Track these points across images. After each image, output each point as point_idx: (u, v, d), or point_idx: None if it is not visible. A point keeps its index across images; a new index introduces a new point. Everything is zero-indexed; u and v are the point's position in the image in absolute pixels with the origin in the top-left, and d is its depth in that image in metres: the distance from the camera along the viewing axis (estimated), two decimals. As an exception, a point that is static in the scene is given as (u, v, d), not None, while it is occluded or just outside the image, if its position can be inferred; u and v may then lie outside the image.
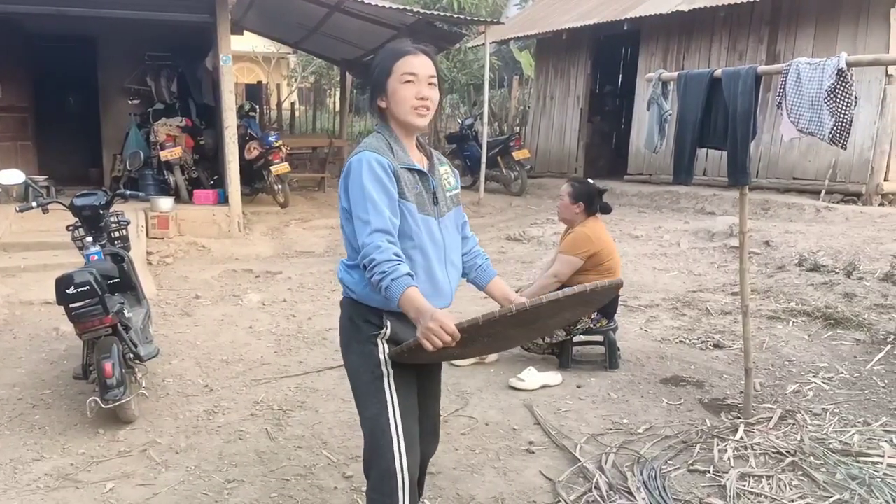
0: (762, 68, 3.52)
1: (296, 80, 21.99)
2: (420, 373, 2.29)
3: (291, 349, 4.89)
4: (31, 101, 10.52)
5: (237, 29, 11.41)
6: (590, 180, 4.66)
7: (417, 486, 2.33)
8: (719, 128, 3.63)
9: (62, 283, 3.47)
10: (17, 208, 4.28)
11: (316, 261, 7.70)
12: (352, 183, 2.06)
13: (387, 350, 2.16)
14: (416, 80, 2.10)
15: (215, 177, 9.88)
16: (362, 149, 2.09)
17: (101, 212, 4.21)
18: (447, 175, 2.27)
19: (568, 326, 4.35)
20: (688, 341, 4.97)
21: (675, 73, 3.94)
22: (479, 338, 2.05)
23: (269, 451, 3.44)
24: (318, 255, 8.02)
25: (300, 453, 3.42)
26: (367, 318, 2.17)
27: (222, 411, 3.90)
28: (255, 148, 9.87)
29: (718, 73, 3.63)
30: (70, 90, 11.62)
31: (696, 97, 3.71)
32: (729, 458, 3.29)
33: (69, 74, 11.04)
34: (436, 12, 10.33)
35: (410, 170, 2.13)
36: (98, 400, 3.51)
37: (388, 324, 2.15)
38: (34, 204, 4.23)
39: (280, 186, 9.84)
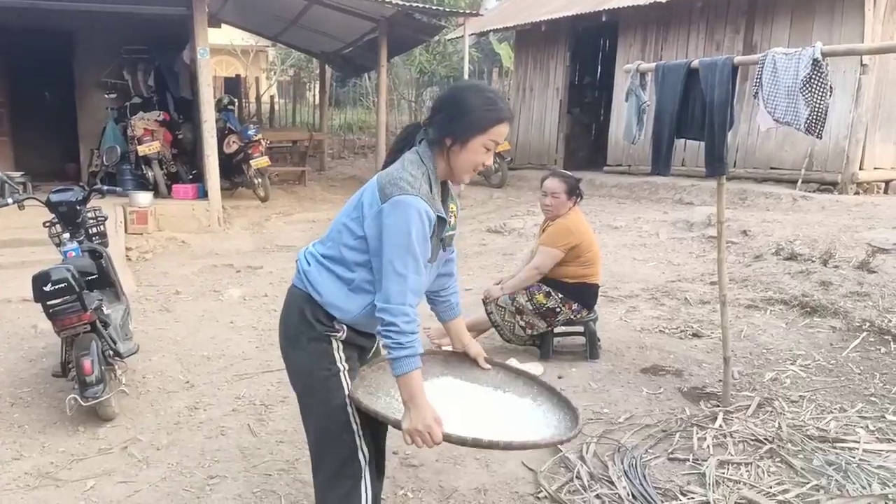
0: (739, 59, 3.54)
1: (275, 74, 21.84)
2: (363, 363, 2.27)
3: (273, 344, 4.86)
4: (7, 96, 10.39)
5: (214, 21, 11.32)
6: (567, 172, 4.68)
7: (378, 468, 2.32)
8: (697, 118, 3.65)
9: (39, 281, 3.43)
10: (-8, 205, 4.22)
11: (297, 255, 7.66)
12: (395, 224, 1.93)
13: (341, 349, 2.12)
14: (493, 148, 2.06)
15: (194, 171, 9.82)
16: (413, 191, 1.94)
17: (78, 208, 4.17)
18: (453, 214, 2.19)
19: (549, 318, 4.38)
20: (667, 331, 5.01)
21: (653, 64, 3.96)
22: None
23: (251, 447, 3.44)
24: (299, 249, 7.98)
25: (282, 448, 3.42)
26: (321, 318, 2.10)
27: (204, 407, 3.88)
28: (234, 142, 9.80)
29: (695, 63, 3.64)
30: (46, 85, 11.44)
31: (673, 88, 3.73)
32: (708, 446, 3.33)
33: (45, 69, 10.85)
34: (415, 4, 10.27)
35: (438, 217, 2.04)
36: (78, 397, 3.48)
37: (345, 329, 2.12)
38: (10, 200, 4.17)
39: (260, 180, 9.79)
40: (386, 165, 2.10)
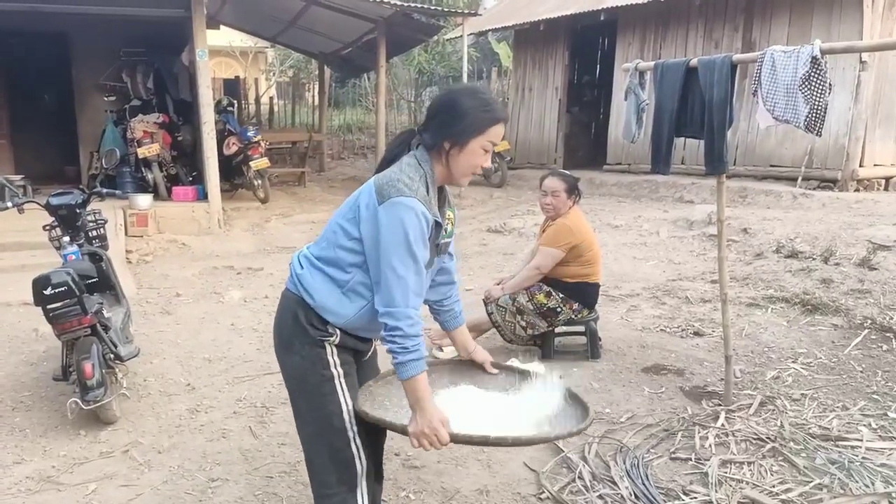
0: (737, 57, 3.53)
1: (274, 75, 21.84)
2: (359, 366, 2.25)
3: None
4: (6, 98, 10.38)
5: (213, 23, 11.31)
6: (564, 171, 4.69)
7: (377, 473, 2.32)
8: (696, 117, 3.64)
9: (39, 284, 3.43)
10: (-8, 209, 4.21)
11: (298, 256, 7.66)
12: (393, 226, 1.92)
13: (335, 353, 2.09)
14: (490, 149, 2.06)
15: (194, 173, 9.81)
16: (411, 193, 1.93)
17: (78, 211, 4.16)
18: (450, 221, 2.18)
19: (550, 318, 4.38)
20: (668, 330, 5.01)
21: (652, 63, 3.95)
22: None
23: (252, 449, 3.43)
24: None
25: (284, 450, 3.41)
26: (314, 322, 2.08)
27: (205, 410, 3.88)
28: (233, 143, 9.80)
29: (694, 62, 3.64)
30: (45, 87, 11.44)
31: (672, 87, 3.72)
32: (710, 446, 3.33)
33: (44, 71, 10.86)
34: (413, 4, 10.27)
35: (435, 222, 2.03)
36: (79, 401, 3.47)
37: (338, 332, 2.10)
38: (9, 204, 4.17)
39: (260, 182, 9.78)
40: (380, 170, 2.08)
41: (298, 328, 2.09)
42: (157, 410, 3.87)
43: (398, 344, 1.93)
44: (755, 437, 3.40)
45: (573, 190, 4.37)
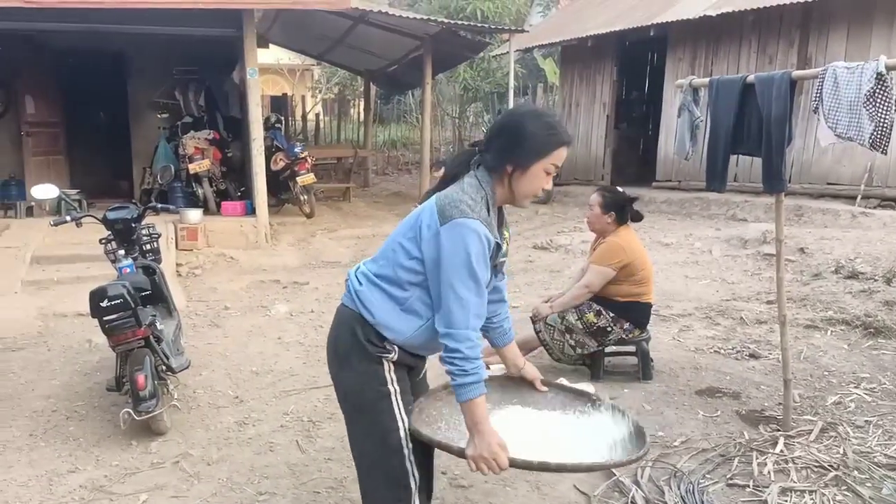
0: (797, 73, 3.45)
1: (320, 92, 22.14)
2: (412, 384, 2.23)
3: (320, 360, 4.86)
4: (63, 116, 10.72)
5: (262, 42, 11.54)
6: (620, 189, 4.60)
7: (427, 491, 2.29)
8: (753, 134, 3.56)
9: (96, 296, 3.49)
10: (52, 222, 4.32)
11: (342, 271, 7.68)
12: (455, 247, 1.90)
13: (392, 370, 2.08)
14: (553, 172, 2.05)
15: (242, 188, 9.97)
16: (474, 215, 1.92)
17: (133, 225, 4.25)
18: (506, 241, 2.17)
19: (599, 337, 4.29)
20: (722, 351, 4.87)
21: (707, 80, 3.88)
22: None
23: (299, 464, 3.43)
24: (345, 266, 8.01)
25: (331, 465, 3.40)
26: (372, 339, 2.07)
27: (253, 423, 3.90)
28: (281, 159, 9.94)
29: (751, 78, 3.56)
30: (100, 105, 11.82)
31: (728, 103, 3.64)
32: (769, 472, 3.21)
33: (99, 90, 11.22)
34: (460, 21, 10.31)
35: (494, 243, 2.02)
36: (131, 412, 3.52)
37: (396, 349, 2.09)
38: (68, 218, 4.28)
39: (306, 197, 9.90)
40: (439, 189, 2.07)
41: (356, 344, 2.07)
42: (207, 422, 3.90)
43: (458, 366, 1.91)
44: (817, 464, 3.26)
45: (610, 206, 4.28)
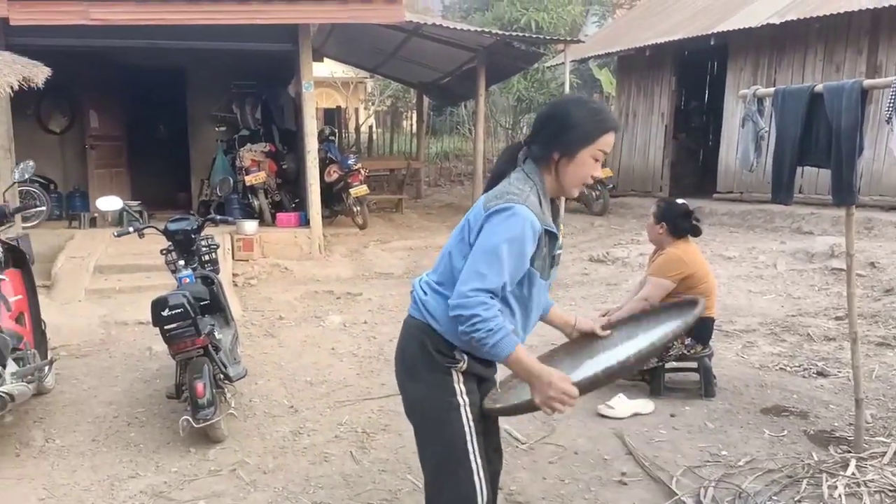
0: (868, 82, 3.31)
1: (373, 104, 22.38)
2: (482, 396, 2.19)
3: (373, 371, 4.88)
4: (125, 130, 11.07)
5: (317, 56, 11.70)
6: (679, 201, 4.50)
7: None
8: (821, 145, 3.44)
9: (158, 306, 3.56)
10: (115, 233, 4.44)
11: (395, 282, 7.72)
12: (496, 228, 1.91)
13: (462, 380, 2.06)
14: (601, 159, 2.04)
15: (297, 200, 10.11)
16: (524, 202, 1.92)
17: (193, 236, 4.33)
18: (561, 232, 2.15)
19: (660, 353, 4.18)
20: (789, 368, 4.69)
21: (772, 89, 3.75)
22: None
23: (353, 474, 3.42)
24: (398, 277, 8.04)
25: (385, 477, 3.38)
26: (441, 349, 2.05)
27: (307, 433, 3.91)
28: (334, 171, 10.05)
29: (819, 87, 3.44)
30: (160, 119, 12.16)
31: (795, 113, 3.52)
32: (840, 496, 3.05)
33: (160, 104, 11.55)
34: (514, 33, 10.27)
35: (548, 231, 2.00)
36: (190, 419, 3.57)
37: (465, 358, 2.06)
38: (131, 229, 4.38)
39: (359, 208, 9.97)
40: (489, 188, 2.07)
41: (425, 355, 2.06)
42: (262, 431, 3.93)
43: (480, 328, 1.87)
44: (891, 488, 3.09)
45: (661, 216, 4.21)
